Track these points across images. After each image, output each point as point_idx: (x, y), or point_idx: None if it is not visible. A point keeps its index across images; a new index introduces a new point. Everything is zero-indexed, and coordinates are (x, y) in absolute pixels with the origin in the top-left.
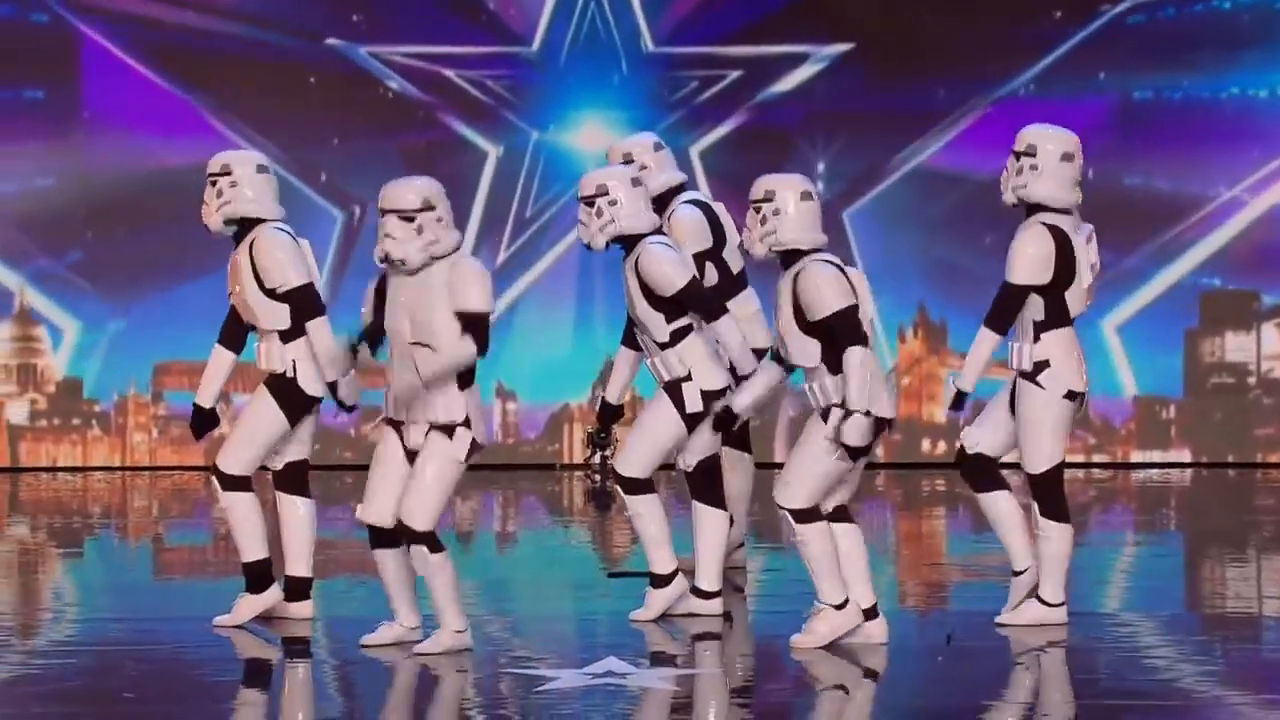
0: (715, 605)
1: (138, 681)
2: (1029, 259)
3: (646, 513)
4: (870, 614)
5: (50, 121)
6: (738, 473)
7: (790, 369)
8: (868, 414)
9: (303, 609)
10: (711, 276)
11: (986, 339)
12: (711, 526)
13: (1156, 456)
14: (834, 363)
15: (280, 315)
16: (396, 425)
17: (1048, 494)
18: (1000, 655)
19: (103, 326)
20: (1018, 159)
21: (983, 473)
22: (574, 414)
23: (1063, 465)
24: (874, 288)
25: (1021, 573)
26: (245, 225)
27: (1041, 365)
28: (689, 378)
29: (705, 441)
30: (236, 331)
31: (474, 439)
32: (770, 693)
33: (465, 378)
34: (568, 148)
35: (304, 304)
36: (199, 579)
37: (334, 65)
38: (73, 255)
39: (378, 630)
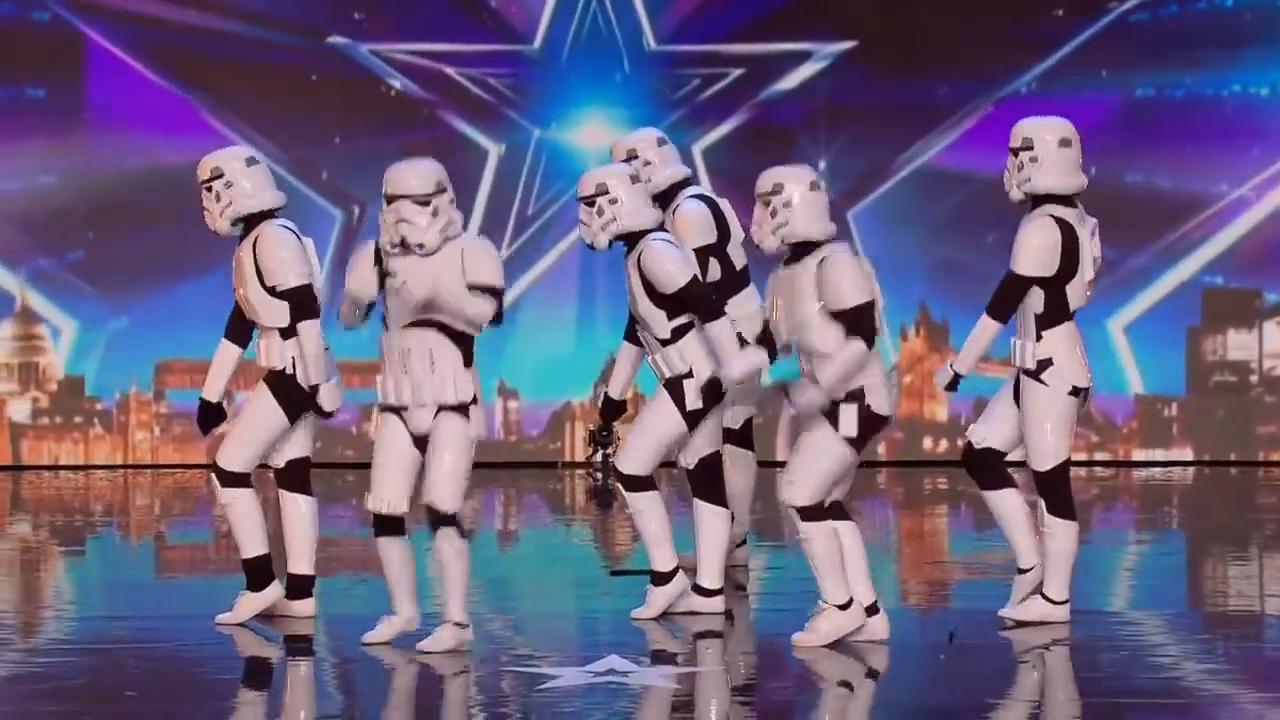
0: (717, 603)
1: (139, 679)
2: (1034, 250)
3: (647, 510)
4: (871, 610)
5: (52, 120)
6: (739, 471)
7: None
8: (865, 406)
9: (304, 607)
10: (715, 272)
11: (988, 327)
12: (713, 524)
13: (1159, 455)
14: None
15: (280, 313)
16: (398, 412)
17: (1054, 491)
18: (1003, 653)
19: (104, 325)
20: (1016, 155)
21: (989, 470)
22: (576, 412)
23: (1069, 462)
24: None
25: (1027, 570)
26: (250, 221)
27: (1045, 363)
28: (690, 374)
29: (706, 439)
30: (242, 326)
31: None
32: (772, 691)
33: (469, 357)
34: (569, 146)
35: (299, 304)
36: (201, 577)
37: (335, 63)
38: (74, 254)
39: (377, 627)
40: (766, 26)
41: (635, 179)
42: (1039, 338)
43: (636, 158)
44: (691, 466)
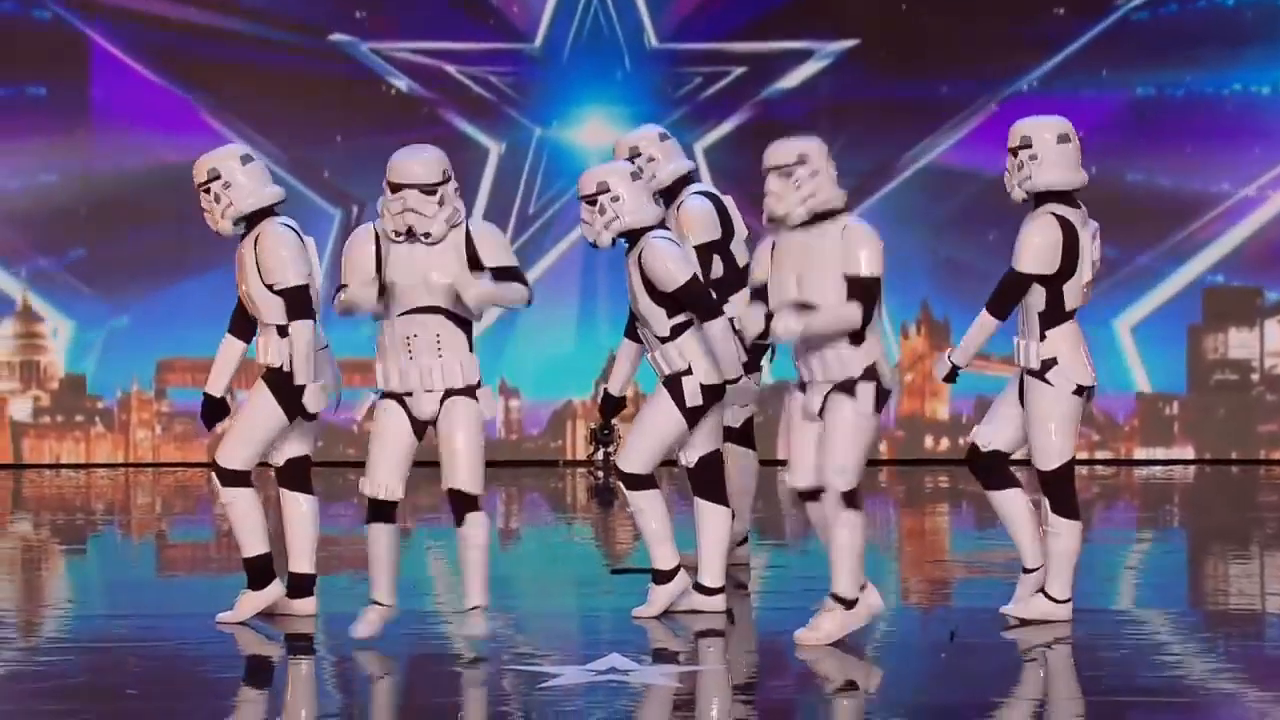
0: (718, 602)
1: (140, 678)
2: (1036, 248)
3: (648, 508)
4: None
5: (53, 118)
6: (741, 469)
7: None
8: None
9: (305, 605)
10: (717, 269)
11: (987, 323)
12: (714, 522)
13: (1160, 453)
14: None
15: (279, 310)
16: (399, 398)
17: (1058, 490)
18: (1006, 652)
19: (105, 323)
20: (1016, 155)
21: (994, 470)
22: (577, 411)
23: (1073, 461)
24: None
25: (1033, 570)
26: (251, 219)
27: (1049, 362)
28: (689, 372)
29: (707, 437)
30: (246, 322)
31: None
32: (773, 689)
33: (470, 343)
34: (570, 144)
35: (295, 304)
36: (202, 576)
37: (336, 62)
38: (75, 252)
39: (365, 618)
40: (768, 25)
41: (636, 176)
42: (1043, 337)
43: (640, 155)
44: (692, 465)
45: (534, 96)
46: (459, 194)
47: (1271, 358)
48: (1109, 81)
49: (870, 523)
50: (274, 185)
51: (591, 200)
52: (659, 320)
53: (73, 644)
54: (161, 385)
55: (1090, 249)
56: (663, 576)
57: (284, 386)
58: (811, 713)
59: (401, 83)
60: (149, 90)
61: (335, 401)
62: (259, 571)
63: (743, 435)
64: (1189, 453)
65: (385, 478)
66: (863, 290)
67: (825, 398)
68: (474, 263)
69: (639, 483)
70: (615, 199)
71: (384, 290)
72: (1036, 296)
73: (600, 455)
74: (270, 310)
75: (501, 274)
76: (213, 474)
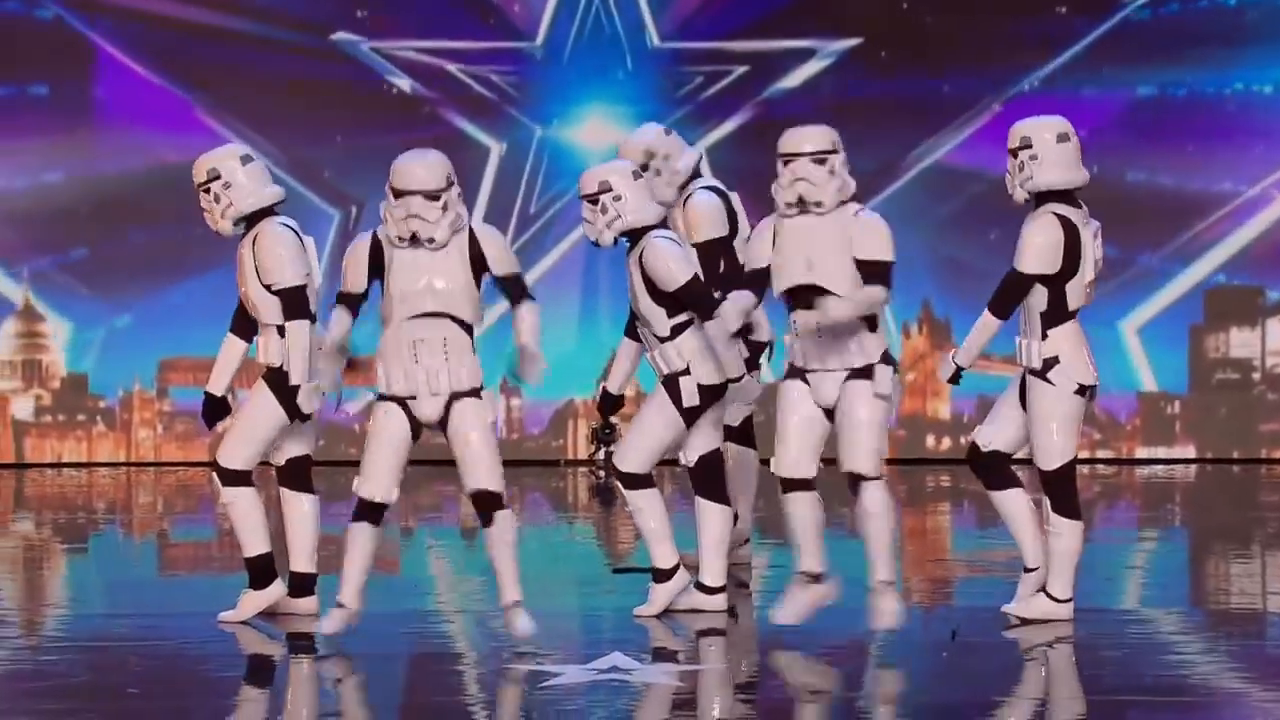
0: (719, 601)
1: (142, 677)
2: (1037, 248)
3: (647, 507)
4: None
5: (55, 117)
6: (741, 469)
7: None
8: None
9: (307, 604)
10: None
11: (989, 323)
12: (714, 521)
13: (1161, 452)
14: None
15: (278, 310)
16: (402, 402)
17: (1060, 490)
18: (1007, 651)
19: (107, 322)
20: (1016, 155)
21: (995, 470)
22: (578, 410)
23: (1075, 461)
24: None
25: (1033, 570)
26: (251, 219)
27: (1051, 362)
28: (687, 372)
29: (707, 436)
30: (247, 321)
31: None
32: (775, 688)
33: (473, 345)
34: (572, 144)
35: (291, 304)
36: (203, 575)
37: (337, 61)
38: (77, 251)
39: (330, 617)
40: (770, 24)
41: (638, 175)
42: (1044, 336)
43: (654, 155)
44: (692, 464)
45: (535, 96)
46: (462, 198)
47: (1273, 357)
48: (1111, 81)
49: None
50: (274, 185)
51: (593, 199)
52: (659, 320)
53: (74, 643)
54: (163, 384)
55: (1092, 248)
56: (662, 575)
57: (284, 386)
58: (813, 712)
59: (402, 82)
60: (151, 90)
61: (336, 401)
62: (260, 571)
63: (742, 434)
64: (1190, 452)
65: (381, 480)
66: (885, 274)
67: (842, 386)
68: (477, 265)
69: (637, 482)
70: (617, 198)
71: (385, 299)
72: (1038, 296)
73: (602, 454)
74: (269, 310)
75: (507, 282)
76: (213, 474)
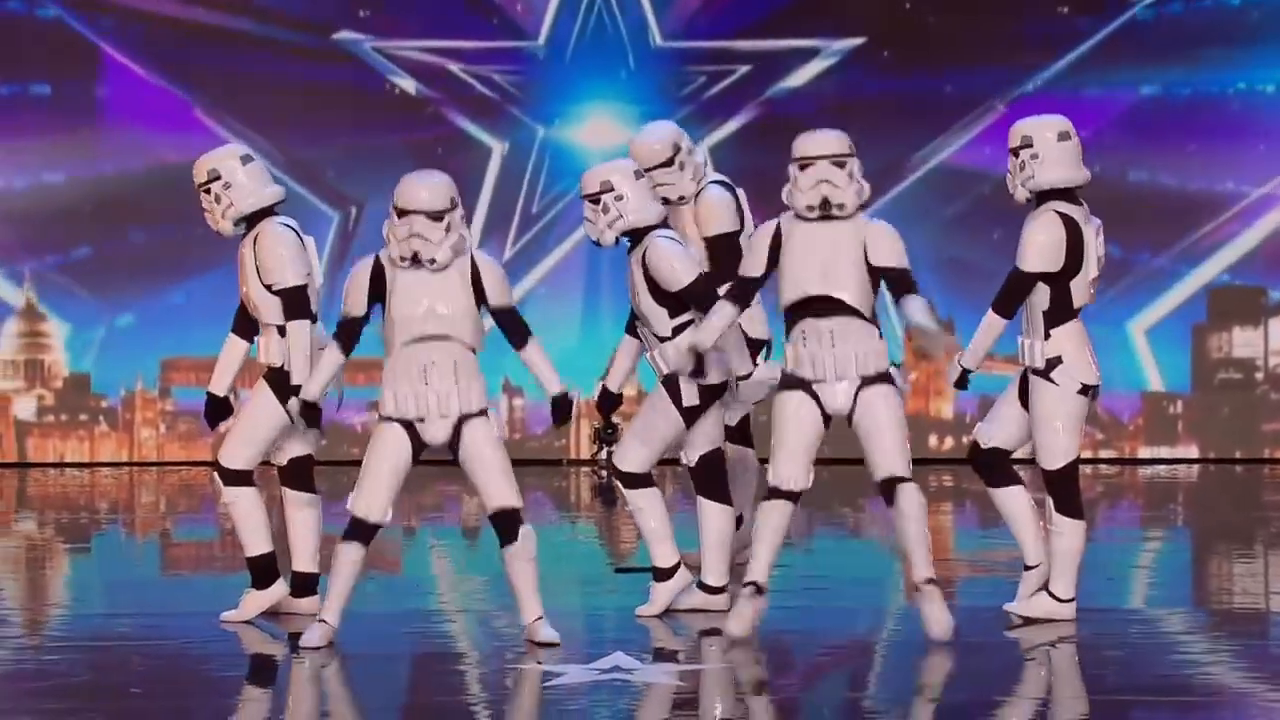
0: (721, 600)
1: (144, 677)
2: (1040, 246)
3: (647, 507)
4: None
5: (58, 117)
6: (741, 469)
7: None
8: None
9: (309, 604)
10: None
11: (994, 323)
12: (716, 521)
13: (1164, 452)
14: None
15: (279, 310)
16: (407, 424)
17: (1063, 490)
18: (1010, 650)
19: (110, 322)
20: (1017, 155)
21: (996, 468)
22: (581, 410)
23: (1078, 461)
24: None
25: (1033, 567)
26: (252, 219)
27: (1054, 361)
28: (692, 371)
29: (708, 436)
30: (249, 321)
31: None
32: (777, 688)
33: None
34: (574, 144)
35: (292, 304)
36: (206, 574)
37: (339, 61)
38: (80, 251)
39: (312, 631)
40: (773, 23)
41: (639, 175)
42: (1047, 336)
43: (680, 149)
44: (693, 464)
45: (537, 95)
46: (465, 221)
47: (1275, 357)
48: (1114, 81)
49: (872, 521)
50: (274, 185)
51: (595, 199)
52: (660, 320)
53: (76, 643)
54: (165, 384)
55: (1094, 246)
56: (663, 574)
57: (285, 386)
58: (815, 712)
59: (404, 82)
60: (152, 89)
61: (337, 400)
62: (262, 571)
63: (740, 434)
64: (1193, 452)
65: (376, 500)
66: (911, 279)
67: (856, 394)
68: (479, 291)
69: (636, 481)
70: (619, 198)
71: (388, 322)
72: (1041, 295)
73: (604, 454)
74: (270, 310)
75: (501, 315)
76: (215, 474)
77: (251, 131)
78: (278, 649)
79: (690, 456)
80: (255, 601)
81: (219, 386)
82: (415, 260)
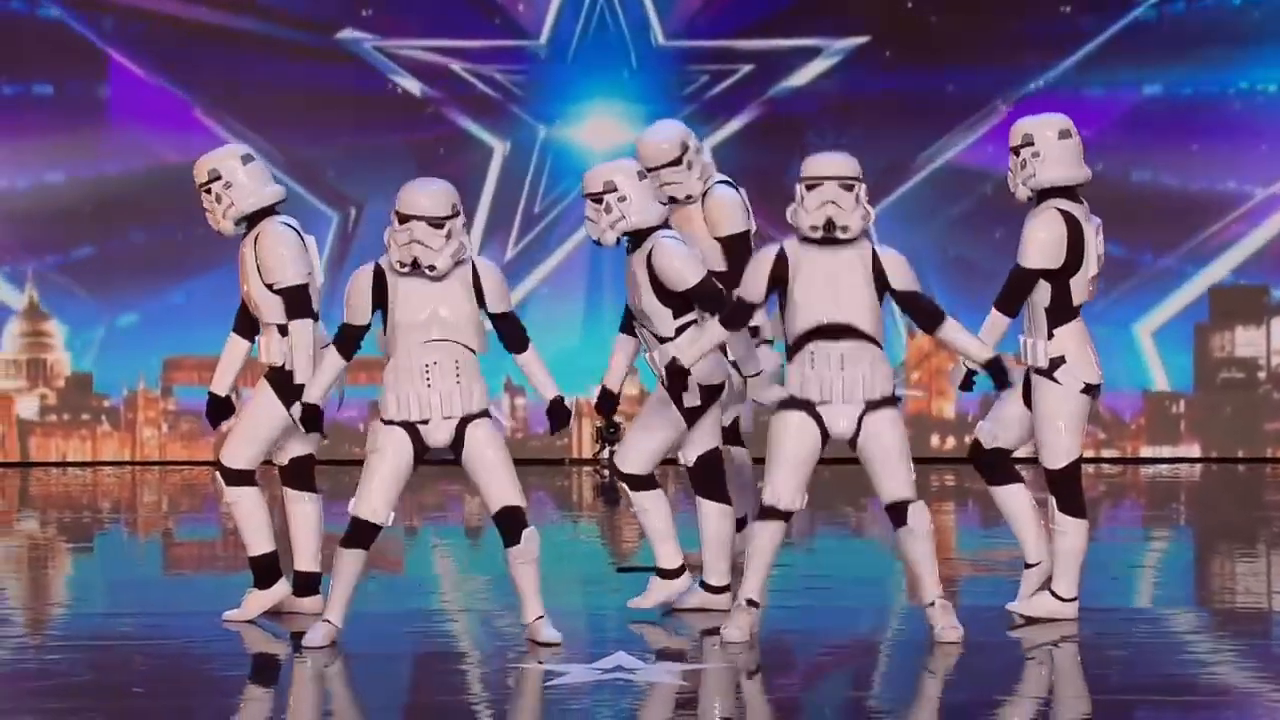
0: (724, 600)
1: (147, 676)
2: (1041, 243)
3: (652, 508)
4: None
5: (60, 117)
6: (738, 469)
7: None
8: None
9: (311, 604)
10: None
11: (998, 322)
12: (716, 521)
13: (1166, 451)
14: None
15: (280, 309)
16: (410, 426)
17: (1065, 489)
18: (1012, 650)
19: (112, 321)
20: (1018, 153)
21: (997, 466)
22: (583, 409)
23: (1080, 460)
24: None
25: (1034, 565)
26: (253, 218)
27: (1058, 361)
28: (688, 372)
29: (706, 436)
30: (250, 321)
31: None
32: (779, 688)
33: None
34: (576, 143)
35: (294, 303)
36: (208, 574)
37: (341, 60)
38: (82, 250)
39: (316, 630)
40: (776, 22)
41: (643, 176)
42: (1050, 335)
43: (688, 148)
44: (691, 464)
45: (539, 94)
46: (465, 229)
47: (1278, 356)
48: (1117, 81)
49: (874, 521)
50: (275, 184)
51: (597, 198)
52: (663, 320)
53: (78, 642)
54: (168, 383)
55: (1095, 243)
56: (667, 574)
57: (286, 385)
58: (817, 711)
59: (406, 81)
60: (155, 89)
61: (338, 399)
62: (265, 570)
63: (733, 434)
64: (1195, 451)
65: (378, 502)
66: (923, 299)
67: (861, 419)
68: (480, 296)
69: (640, 483)
70: (622, 198)
71: (390, 328)
72: (1042, 293)
73: (606, 453)
74: (271, 309)
75: (500, 320)
76: (216, 473)
77: (252, 131)
78: (280, 648)
79: (688, 456)
80: (258, 601)
81: (220, 386)
82: (415, 266)
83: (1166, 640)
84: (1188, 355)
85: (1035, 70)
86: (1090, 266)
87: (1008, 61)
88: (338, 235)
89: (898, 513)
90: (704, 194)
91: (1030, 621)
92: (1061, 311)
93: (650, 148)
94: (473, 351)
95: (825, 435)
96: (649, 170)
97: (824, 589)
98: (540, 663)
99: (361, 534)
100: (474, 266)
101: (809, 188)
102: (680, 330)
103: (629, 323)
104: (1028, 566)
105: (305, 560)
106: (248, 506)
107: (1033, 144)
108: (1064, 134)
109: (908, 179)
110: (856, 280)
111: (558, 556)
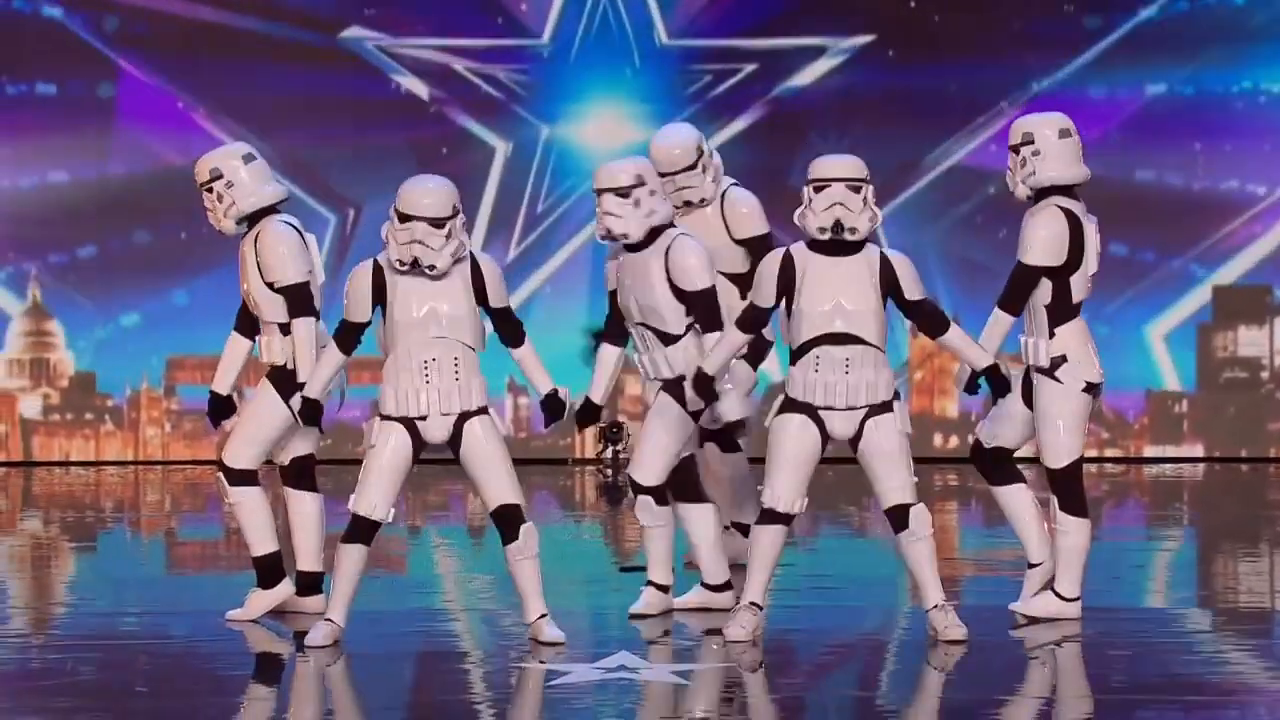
0: (726, 599)
1: (150, 676)
2: (1042, 240)
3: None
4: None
5: (63, 116)
6: (735, 470)
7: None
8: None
9: (315, 603)
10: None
11: (1002, 320)
12: (701, 522)
13: (1169, 451)
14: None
15: (281, 308)
16: (409, 422)
17: (1067, 488)
18: (1014, 650)
19: (115, 321)
20: (1018, 151)
21: (998, 466)
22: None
23: (1082, 459)
24: None
25: (1037, 565)
26: (254, 218)
27: (1059, 360)
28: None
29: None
30: (251, 320)
31: None
32: (781, 687)
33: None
34: (579, 143)
35: (295, 301)
36: (211, 573)
37: (343, 60)
38: (85, 250)
39: (319, 629)
40: (780, 21)
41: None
42: (1052, 334)
43: (703, 152)
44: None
45: (542, 94)
46: (465, 227)
47: None
48: (1120, 81)
49: (877, 520)
50: (276, 184)
51: (625, 194)
52: (676, 316)
53: (82, 641)
54: (171, 383)
55: (1094, 242)
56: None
57: (288, 384)
58: (819, 711)
59: (409, 81)
60: (157, 89)
61: (339, 399)
62: (268, 570)
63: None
64: (1198, 451)
65: (377, 498)
66: (929, 305)
67: (862, 423)
68: (480, 294)
69: (661, 498)
70: (652, 193)
71: (388, 325)
72: (1043, 291)
73: (609, 453)
74: (272, 308)
75: (498, 315)
76: (219, 473)
77: (254, 131)
78: (283, 648)
79: None
80: (261, 601)
81: (221, 385)
82: (415, 266)
83: (1169, 640)
84: (1190, 354)
85: (1038, 70)
86: (1090, 264)
87: (1011, 61)
88: (335, 237)
89: (898, 516)
90: (722, 196)
91: (1033, 621)
92: (1062, 310)
93: (666, 152)
94: (472, 349)
95: (825, 438)
96: (663, 175)
97: (827, 589)
98: (542, 662)
99: (361, 530)
100: (473, 262)
101: (816, 189)
102: (689, 328)
103: (615, 330)
104: (1031, 566)
105: (307, 560)
106: (250, 506)
107: (1033, 142)
108: (1064, 133)
109: (912, 181)
110: (864, 288)
111: (560, 556)
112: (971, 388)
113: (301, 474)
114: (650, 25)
